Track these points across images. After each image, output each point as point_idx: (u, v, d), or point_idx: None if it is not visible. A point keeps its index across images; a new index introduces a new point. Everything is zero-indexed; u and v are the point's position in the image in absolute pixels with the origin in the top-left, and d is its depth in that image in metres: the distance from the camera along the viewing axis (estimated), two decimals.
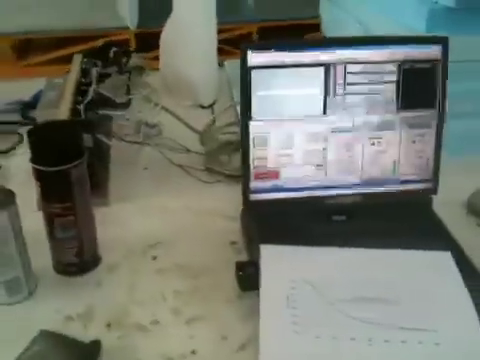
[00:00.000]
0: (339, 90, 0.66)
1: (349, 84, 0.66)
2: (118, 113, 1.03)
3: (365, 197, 0.71)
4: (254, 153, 0.67)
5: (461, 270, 0.61)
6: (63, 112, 0.78)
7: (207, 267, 0.67)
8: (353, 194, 0.70)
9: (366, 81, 0.67)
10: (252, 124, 0.66)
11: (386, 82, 0.67)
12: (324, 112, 0.67)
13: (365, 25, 1.10)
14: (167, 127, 0.94)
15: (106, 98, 1.05)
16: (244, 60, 0.63)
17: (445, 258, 0.63)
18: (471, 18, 0.87)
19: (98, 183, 0.79)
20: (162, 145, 0.95)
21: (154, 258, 0.69)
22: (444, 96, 0.68)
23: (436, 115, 0.69)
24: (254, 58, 0.64)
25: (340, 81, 0.66)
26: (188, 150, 0.92)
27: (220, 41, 2.85)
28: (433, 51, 0.67)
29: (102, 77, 1.19)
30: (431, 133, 0.70)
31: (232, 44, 2.55)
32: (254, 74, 0.64)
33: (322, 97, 0.66)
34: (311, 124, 0.67)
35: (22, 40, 2.48)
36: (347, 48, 0.65)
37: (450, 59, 0.87)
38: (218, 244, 0.71)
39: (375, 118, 0.68)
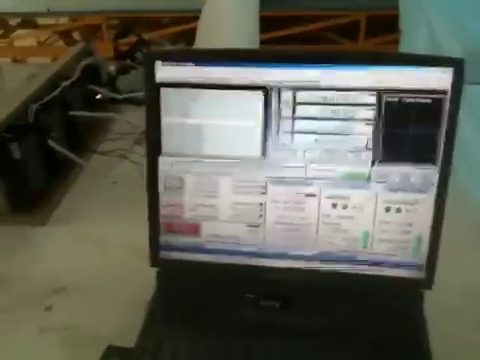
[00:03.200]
0: (285, 125, 0.46)
1: (300, 118, 0.46)
2: (109, 115, 0.92)
3: (317, 276, 0.49)
4: (164, 198, 0.50)
5: None
6: None
7: (97, 336, 0.52)
8: (300, 270, 0.50)
9: (327, 116, 0.45)
10: (162, 161, 0.49)
11: (358, 119, 0.45)
12: (263, 154, 0.47)
13: (431, 22, 0.84)
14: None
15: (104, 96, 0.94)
16: (150, 74, 0.46)
17: None
18: None
19: (29, 198, 0.68)
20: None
21: (48, 309, 0.56)
22: (451, 146, 0.45)
23: (436, 174, 0.46)
24: (164, 72, 0.46)
25: (287, 113, 0.46)
26: None
27: (323, 29, 2.58)
28: (439, 77, 0.44)
29: (125, 69, 1.08)
30: (427, 201, 0.46)
31: (337, 33, 2.30)
32: (164, 94, 0.47)
33: (260, 133, 0.47)
34: (244, 168, 0.48)
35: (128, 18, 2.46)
36: (301, 66, 0.45)
37: None
38: (132, 303, 0.55)
39: (339, 169, 0.47)
